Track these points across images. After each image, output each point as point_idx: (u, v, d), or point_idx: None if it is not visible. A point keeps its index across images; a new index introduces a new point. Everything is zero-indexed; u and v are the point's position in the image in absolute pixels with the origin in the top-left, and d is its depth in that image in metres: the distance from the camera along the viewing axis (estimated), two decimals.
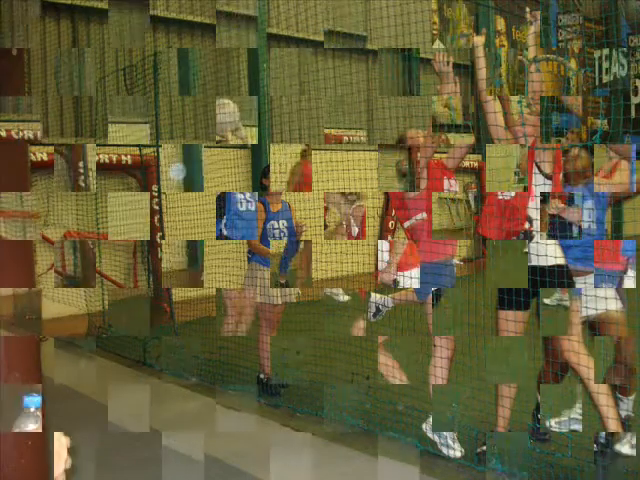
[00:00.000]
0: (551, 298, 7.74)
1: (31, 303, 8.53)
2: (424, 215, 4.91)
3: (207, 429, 5.35)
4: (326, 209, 6.93)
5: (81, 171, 9.15)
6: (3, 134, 8.97)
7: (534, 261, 4.38)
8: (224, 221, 6.32)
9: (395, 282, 5.03)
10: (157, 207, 8.91)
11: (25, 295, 8.43)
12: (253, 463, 4.71)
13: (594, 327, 4.57)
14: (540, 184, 4.43)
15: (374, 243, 6.33)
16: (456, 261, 5.06)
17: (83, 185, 9.07)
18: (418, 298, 4.99)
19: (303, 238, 6.46)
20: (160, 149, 8.50)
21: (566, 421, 4.92)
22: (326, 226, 7.09)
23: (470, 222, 12.88)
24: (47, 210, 9.41)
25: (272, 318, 6.30)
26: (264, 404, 5.99)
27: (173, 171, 8.92)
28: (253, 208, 6.34)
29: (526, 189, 4.47)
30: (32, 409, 1.98)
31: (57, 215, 9.30)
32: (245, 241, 6.28)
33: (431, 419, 4.80)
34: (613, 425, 4.23)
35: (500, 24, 16.13)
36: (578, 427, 4.79)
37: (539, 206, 4.45)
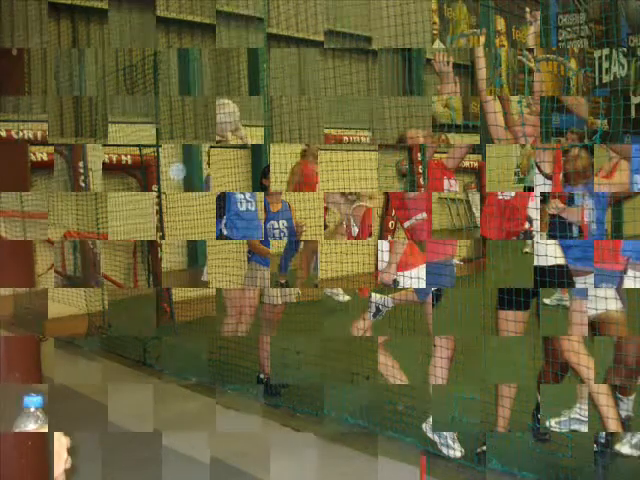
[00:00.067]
0: (551, 298, 7.76)
1: (32, 303, 8.51)
2: (424, 215, 4.91)
3: (207, 429, 5.35)
4: (326, 209, 6.92)
5: (81, 171, 9.15)
6: (3, 134, 8.96)
7: (534, 261, 4.38)
8: (224, 221, 6.31)
9: (395, 282, 5.03)
10: (157, 207, 8.91)
11: (25, 295, 8.42)
12: (253, 463, 4.71)
13: (594, 327, 4.57)
14: (540, 184, 4.44)
15: (374, 243, 6.32)
16: (456, 261, 5.06)
17: (83, 185, 9.07)
18: (418, 298, 5.00)
19: (303, 238, 6.46)
20: (160, 149, 8.50)
21: (566, 421, 4.92)
22: (326, 226, 7.08)
23: (470, 222, 12.86)
24: (47, 210, 9.40)
25: (272, 318, 6.30)
26: (264, 404, 5.99)
27: (173, 171, 8.92)
28: (253, 208, 6.34)
29: (526, 189, 4.48)
30: (32, 409, 1.98)
31: (57, 215, 9.30)
32: (245, 241, 6.28)
33: (431, 419, 4.81)
34: (613, 425, 4.23)
35: (500, 24, 16.13)
36: (580, 427, 4.79)
37: (539, 206, 4.45)
